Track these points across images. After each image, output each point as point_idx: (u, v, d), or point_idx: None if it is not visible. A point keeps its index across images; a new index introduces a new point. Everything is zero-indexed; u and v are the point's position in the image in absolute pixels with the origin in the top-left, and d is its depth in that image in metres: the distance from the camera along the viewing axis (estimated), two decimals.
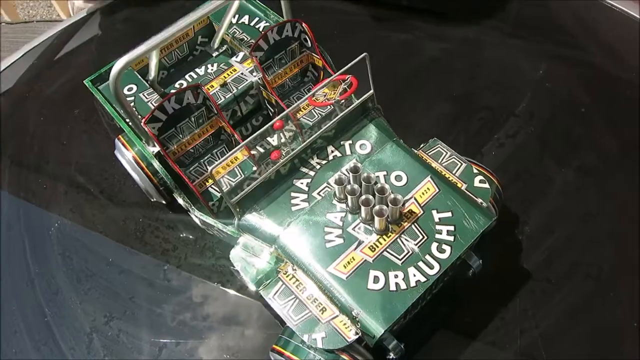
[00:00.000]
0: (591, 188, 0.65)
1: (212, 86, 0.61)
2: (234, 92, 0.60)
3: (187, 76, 0.66)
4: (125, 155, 0.62)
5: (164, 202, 0.66)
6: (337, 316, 0.48)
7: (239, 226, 0.52)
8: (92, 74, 0.65)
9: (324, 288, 0.47)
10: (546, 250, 0.61)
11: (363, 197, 0.48)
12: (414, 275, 0.47)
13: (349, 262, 0.48)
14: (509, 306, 0.59)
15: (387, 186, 0.48)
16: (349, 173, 0.49)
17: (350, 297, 0.46)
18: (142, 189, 0.66)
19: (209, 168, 0.49)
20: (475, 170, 0.54)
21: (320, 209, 0.50)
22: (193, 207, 0.58)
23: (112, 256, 0.66)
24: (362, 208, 0.48)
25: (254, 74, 0.61)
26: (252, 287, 0.53)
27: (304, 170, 0.53)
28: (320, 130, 0.53)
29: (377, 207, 0.47)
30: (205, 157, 0.59)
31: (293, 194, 0.52)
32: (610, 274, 0.60)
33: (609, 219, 0.63)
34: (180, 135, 0.57)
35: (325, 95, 0.59)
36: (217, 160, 0.58)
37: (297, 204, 0.51)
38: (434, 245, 0.48)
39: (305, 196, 0.51)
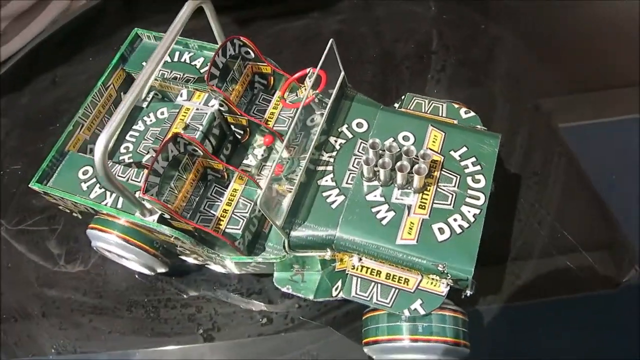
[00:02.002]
0: (523, 86, 0.74)
1: None
2: (200, 129, 0.57)
3: (128, 136, 0.62)
4: (109, 240, 0.57)
5: (164, 270, 0.62)
6: (421, 280, 0.49)
7: (290, 245, 0.51)
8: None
9: (401, 261, 0.49)
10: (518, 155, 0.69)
11: (398, 164, 0.49)
12: (469, 212, 0.50)
13: (411, 228, 0.49)
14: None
15: (412, 147, 0.50)
16: (369, 150, 0.51)
17: (430, 256, 0.48)
18: (136, 268, 0.60)
19: (256, 200, 0.48)
20: (456, 106, 0.58)
21: (358, 195, 0.51)
22: (220, 255, 0.55)
23: (136, 350, 0.60)
24: (399, 175, 0.49)
25: (210, 104, 0.59)
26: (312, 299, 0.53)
27: (321, 168, 0.53)
28: (319, 128, 0.53)
29: (415, 167, 0.49)
30: (204, 204, 0.56)
31: (325, 194, 0.52)
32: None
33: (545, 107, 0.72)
34: (175, 191, 0.53)
35: (297, 95, 0.59)
36: (218, 202, 0.56)
37: (335, 200, 0.51)
38: (469, 179, 0.52)
39: (337, 190, 0.52)
